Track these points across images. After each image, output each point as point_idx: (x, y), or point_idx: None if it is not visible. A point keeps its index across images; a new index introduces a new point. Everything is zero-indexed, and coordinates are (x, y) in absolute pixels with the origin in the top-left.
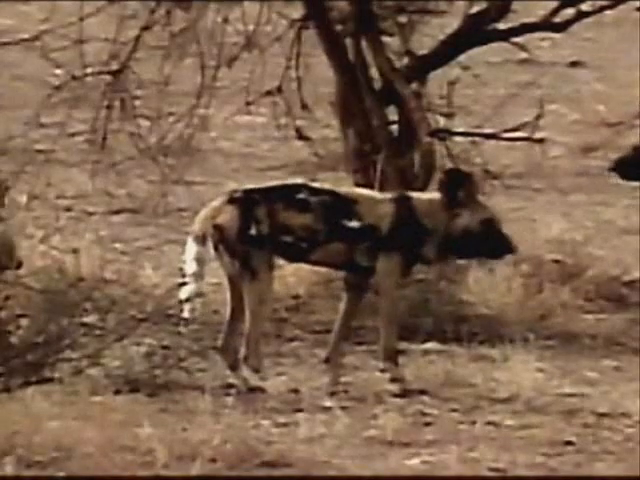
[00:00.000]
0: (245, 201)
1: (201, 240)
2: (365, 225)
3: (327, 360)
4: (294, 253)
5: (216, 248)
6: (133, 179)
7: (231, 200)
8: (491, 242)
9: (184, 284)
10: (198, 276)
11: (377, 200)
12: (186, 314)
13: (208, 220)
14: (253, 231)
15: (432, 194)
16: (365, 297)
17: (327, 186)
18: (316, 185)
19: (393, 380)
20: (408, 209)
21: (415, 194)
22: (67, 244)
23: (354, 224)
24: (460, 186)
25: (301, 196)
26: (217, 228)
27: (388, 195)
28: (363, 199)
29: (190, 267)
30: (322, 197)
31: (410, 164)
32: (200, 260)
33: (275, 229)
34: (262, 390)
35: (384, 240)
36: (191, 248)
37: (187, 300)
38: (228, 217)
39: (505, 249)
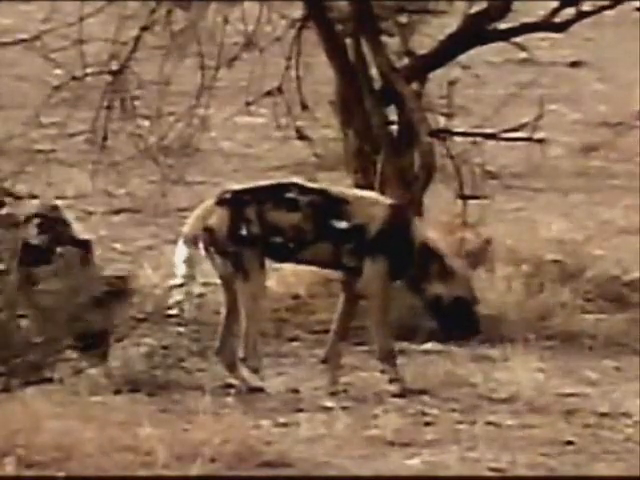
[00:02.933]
0: (234, 202)
1: (191, 242)
2: (353, 226)
3: (325, 360)
4: (283, 253)
5: (207, 250)
6: (133, 179)
7: (220, 201)
8: (459, 320)
9: (177, 286)
10: (190, 278)
11: (372, 202)
12: (179, 314)
13: (198, 222)
14: (243, 231)
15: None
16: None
17: (320, 185)
18: (309, 184)
19: (392, 380)
20: (403, 218)
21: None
22: None
23: (342, 224)
24: (431, 263)
25: (290, 195)
26: (207, 230)
27: (387, 200)
28: (356, 200)
29: (181, 269)
30: (312, 196)
31: (410, 164)
32: (191, 262)
33: (265, 229)
34: (262, 390)
35: (370, 242)
36: (181, 250)
37: (180, 302)
38: (218, 218)
39: (471, 330)
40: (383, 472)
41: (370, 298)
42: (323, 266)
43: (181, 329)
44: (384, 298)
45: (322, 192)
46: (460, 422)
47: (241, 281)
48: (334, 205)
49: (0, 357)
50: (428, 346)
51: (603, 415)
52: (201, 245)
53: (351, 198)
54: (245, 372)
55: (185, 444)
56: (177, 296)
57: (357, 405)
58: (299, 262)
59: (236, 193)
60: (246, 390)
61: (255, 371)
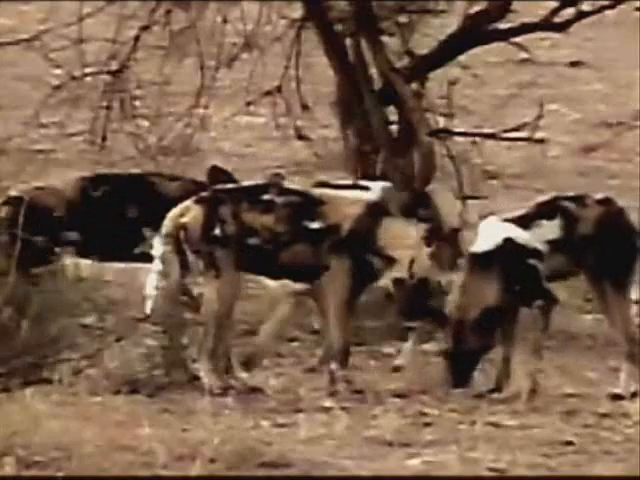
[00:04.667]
0: (211, 201)
1: (167, 239)
2: (328, 225)
3: (321, 362)
4: (260, 255)
5: (182, 247)
6: None
7: (198, 200)
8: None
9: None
10: (163, 274)
11: (350, 201)
12: (147, 310)
13: (175, 219)
14: (217, 231)
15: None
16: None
17: (301, 188)
18: (290, 186)
19: (345, 382)
20: (374, 217)
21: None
22: None
23: (314, 225)
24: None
25: (267, 197)
26: (182, 227)
27: (368, 198)
28: (333, 200)
29: (156, 265)
30: (288, 198)
31: (410, 164)
32: (165, 259)
33: (240, 229)
34: (261, 390)
35: (340, 241)
36: (157, 247)
37: (153, 298)
38: (193, 217)
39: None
40: (383, 472)
41: (330, 296)
42: (304, 267)
43: (149, 325)
44: (345, 298)
45: (301, 194)
46: (460, 422)
47: (211, 280)
48: (309, 206)
49: (0, 357)
50: (428, 346)
51: (603, 415)
52: (184, 242)
53: (329, 199)
54: (209, 370)
55: (185, 444)
56: (147, 290)
57: (357, 405)
58: (280, 266)
59: (215, 192)
60: (246, 390)
61: (227, 370)
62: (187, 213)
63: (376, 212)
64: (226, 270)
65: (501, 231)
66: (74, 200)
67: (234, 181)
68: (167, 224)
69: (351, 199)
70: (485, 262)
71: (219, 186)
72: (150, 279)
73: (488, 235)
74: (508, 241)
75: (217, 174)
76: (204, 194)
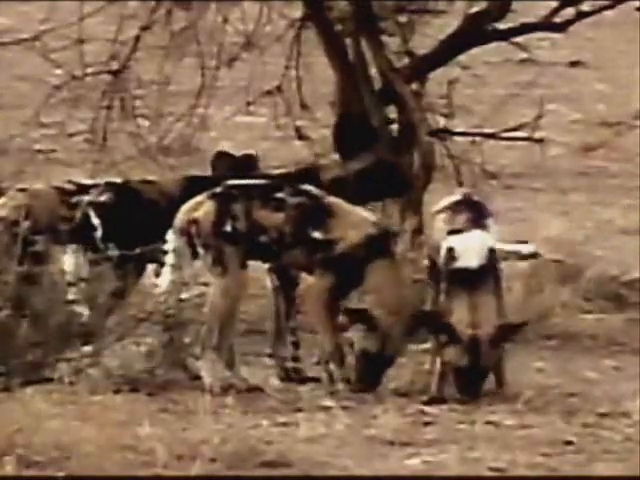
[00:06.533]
0: (224, 196)
1: (180, 232)
2: (326, 239)
3: (318, 362)
4: (266, 253)
5: (193, 241)
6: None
7: (212, 195)
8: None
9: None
10: (177, 268)
11: (356, 223)
12: (162, 307)
13: (187, 213)
14: (228, 227)
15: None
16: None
17: (316, 191)
18: (304, 187)
19: (344, 380)
20: (368, 252)
21: None
22: None
23: (317, 235)
24: None
25: (279, 195)
26: (194, 222)
27: (372, 229)
28: (343, 214)
29: (169, 259)
30: (300, 200)
31: (410, 164)
32: (178, 252)
33: (251, 226)
34: (261, 389)
35: (330, 258)
36: (171, 240)
37: (166, 292)
38: (205, 211)
39: None
40: (383, 472)
41: (308, 303)
42: (302, 271)
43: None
44: (327, 308)
45: (313, 197)
46: (460, 422)
47: (218, 276)
48: (317, 214)
49: (0, 357)
50: (428, 346)
51: (603, 415)
52: (194, 236)
53: (338, 212)
54: (216, 365)
55: (185, 444)
56: (162, 286)
57: (357, 405)
58: (282, 265)
59: (228, 188)
60: (245, 389)
61: (230, 366)
62: (200, 207)
63: (373, 246)
64: (233, 267)
65: (482, 240)
66: (176, 197)
67: (239, 165)
68: (180, 218)
69: (358, 219)
70: (481, 276)
71: (232, 181)
72: (163, 273)
73: (468, 246)
74: (492, 251)
75: (223, 159)
76: (217, 189)
